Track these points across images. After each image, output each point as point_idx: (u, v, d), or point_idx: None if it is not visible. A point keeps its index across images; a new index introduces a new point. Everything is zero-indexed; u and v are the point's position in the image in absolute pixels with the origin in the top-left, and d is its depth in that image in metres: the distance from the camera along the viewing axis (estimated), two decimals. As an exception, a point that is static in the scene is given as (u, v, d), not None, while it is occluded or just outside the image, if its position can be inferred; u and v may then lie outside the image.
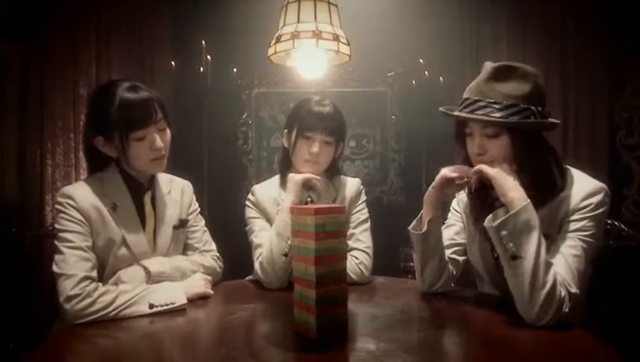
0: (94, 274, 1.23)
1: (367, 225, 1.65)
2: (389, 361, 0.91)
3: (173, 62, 3.11)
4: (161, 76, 2.98)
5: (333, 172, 1.67)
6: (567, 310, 1.06)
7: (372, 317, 1.19)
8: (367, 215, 1.67)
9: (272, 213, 1.58)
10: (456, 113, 1.24)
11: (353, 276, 1.49)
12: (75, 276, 1.17)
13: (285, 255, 1.42)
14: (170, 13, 3.08)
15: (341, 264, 1.03)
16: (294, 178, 1.53)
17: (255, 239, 1.56)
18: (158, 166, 1.36)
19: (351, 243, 1.58)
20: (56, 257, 1.21)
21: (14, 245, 2.32)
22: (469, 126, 1.24)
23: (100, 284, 1.21)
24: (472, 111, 1.20)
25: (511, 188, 1.13)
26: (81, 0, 2.74)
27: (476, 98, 1.20)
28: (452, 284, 1.42)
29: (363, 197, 1.69)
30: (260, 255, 1.50)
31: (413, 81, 3.29)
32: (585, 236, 1.15)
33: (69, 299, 1.15)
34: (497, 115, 1.16)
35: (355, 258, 1.54)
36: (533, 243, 1.08)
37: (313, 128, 1.54)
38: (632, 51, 2.76)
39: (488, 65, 1.22)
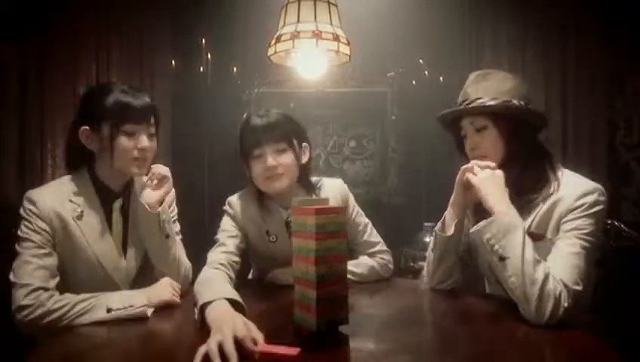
0: (51, 283, 1.18)
1: (369, 223, 1.64)
2: (389, 361, 0.91)
3: (173, 62, 3.11)
4: (161, 76, 2.97)
5: (308, 181, 1.55)
6: (566, 305, 1.06)
7: (372, 317, 1.19)
8: (363, 213, 1.64)
9: (250, 231, 1.52)
10: (444, 112, 1.37)
11: (386, 275, 1.59)
12: (28, 286, 1.14)
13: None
14: (170, 13, 3.07)
15: (341, 264, 1.03)
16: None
17: (221, 238, 1.47)
18: (138, 168, 1.31)
19: (369, 249, 1.59)
20: (14, 264, 1.18)
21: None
22: (462, 127, 1.34)
23: (56, 293, 1.17)
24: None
25: (492, 194, 1.18)
26: (82, 0, 2.74)
27: (463, 99, 1.32)
28: (459, 282, 1.43)
29: (351, 199, 1.61)
30: (209, 259, 1.38)
31: (413, 81, 3.29)
32: (582, 234, 1.17)
33: (20, 309, 1.12)
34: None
35: (382, 258, 1.59)
36: (517, 242, 1.10)
37: (259, 142, 1.42)
38: (631, 51, 2.76)
39: (471, 74, 1.36)
